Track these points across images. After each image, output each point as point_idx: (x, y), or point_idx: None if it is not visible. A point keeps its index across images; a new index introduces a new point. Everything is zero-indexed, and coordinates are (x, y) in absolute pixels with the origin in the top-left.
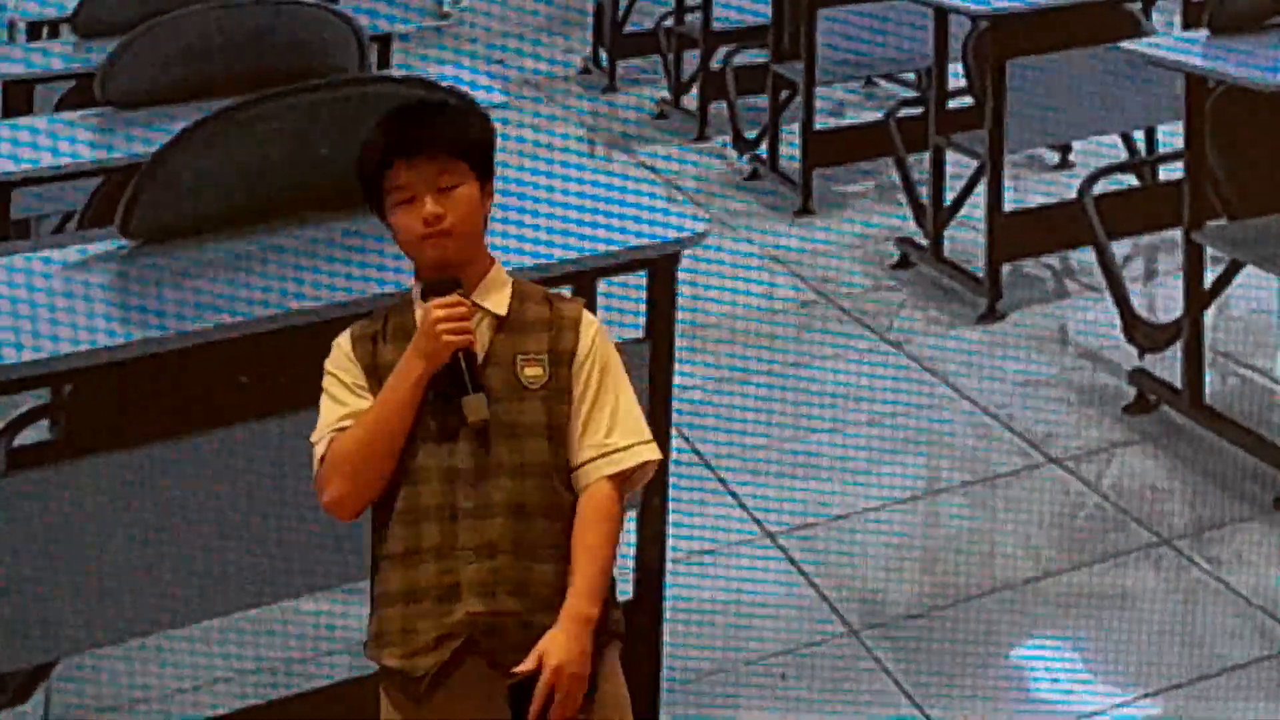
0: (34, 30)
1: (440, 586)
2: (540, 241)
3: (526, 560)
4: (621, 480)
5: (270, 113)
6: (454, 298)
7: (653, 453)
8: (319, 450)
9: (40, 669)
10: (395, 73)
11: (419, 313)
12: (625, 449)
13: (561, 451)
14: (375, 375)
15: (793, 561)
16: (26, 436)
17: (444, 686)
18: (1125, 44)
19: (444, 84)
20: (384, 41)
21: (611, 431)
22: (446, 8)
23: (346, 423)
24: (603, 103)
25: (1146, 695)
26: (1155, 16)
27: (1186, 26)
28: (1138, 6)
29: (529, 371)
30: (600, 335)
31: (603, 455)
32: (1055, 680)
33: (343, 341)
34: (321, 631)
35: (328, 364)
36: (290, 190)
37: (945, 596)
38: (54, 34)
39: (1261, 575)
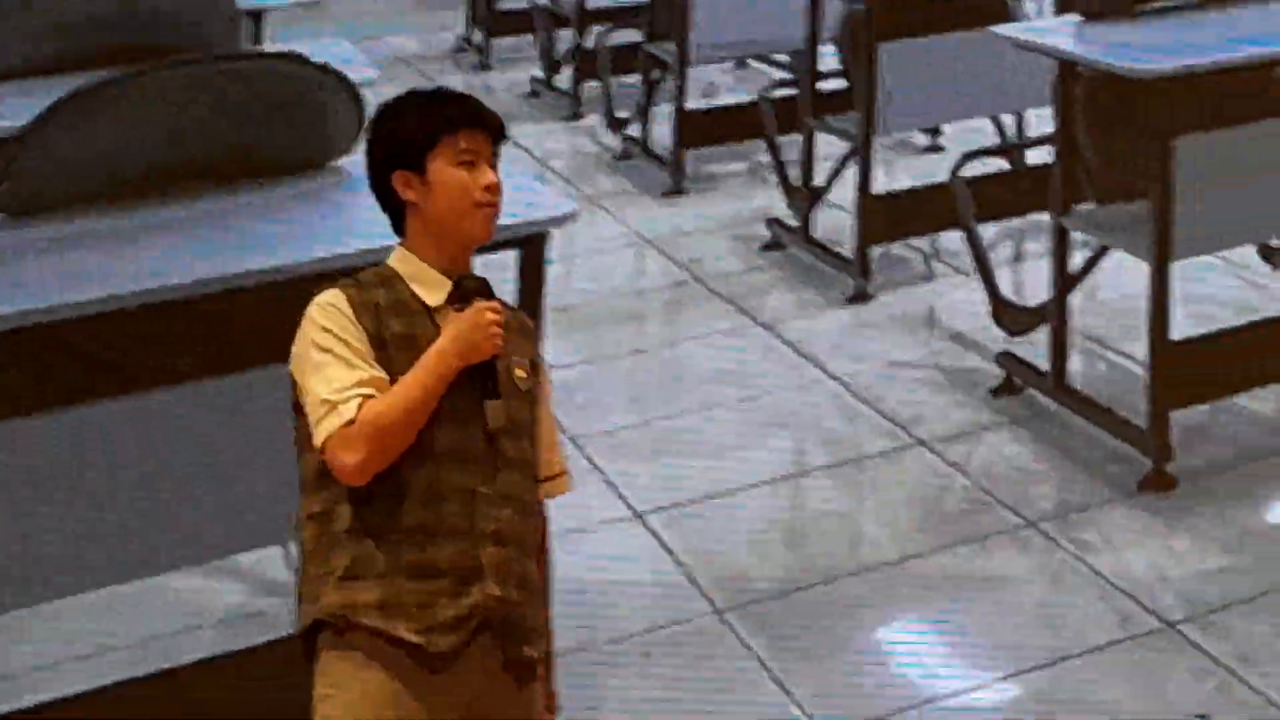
0: None
1: (462, 568)
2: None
3: (523, 553)
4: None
5: (144, 87)
6: (496, 302)
7: (570, 486)
8: (345, 411)
9: None
10: (269, 48)
11: (458, 315)
12: (560, 476)
13: (536, 454)
14: (383, 347)
15: (660, 541)
16: None
17: (456, 662)
18: (997, 28)
19: (317, 60)
20: (256, 17)
21: (553, 449)
22: None
23: (367, 390)
24: (476, 81)
25: (1008, 676)
26: (1028, 2)
27: (1059, 12)
28: None
29: (519, 373)
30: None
31: (550, 479)
32: (918, 661)
33: (340, 305)
34: (190, 606)
35: (324, 322)
36: (166, 165)
37: (810, 577)
38: None
39: (1123, 558)
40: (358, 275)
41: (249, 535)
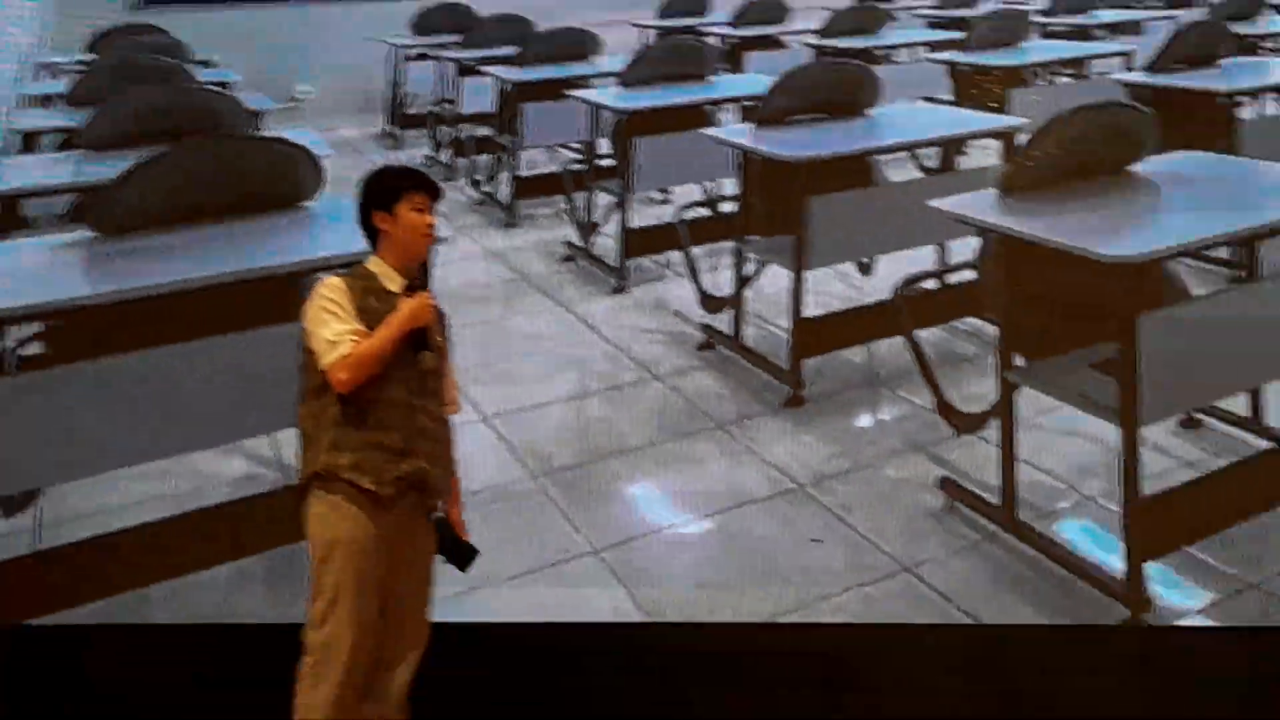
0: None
1: (403, 449)
2: (350, 236)
3: (438, 444)
4: None
5: (190, 154)
6: (429, 294)
7: (459, 408)
8: (341, 349)
9: (33, 492)
10: (266, 133)
11: (408, 300)
12: (454, 402)
13: (444, 387)
14: (363, 315)
15: (498, 434)
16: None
17: (395, 507)
18: (705, 130)
19: (295, 140)
20: (257, 115)
21: (453, 387)
22: (296, 96)
23: (354, 337)
24: (392, 156)
25: (705, 516)
26: (724, 115)
27: (743, 120)
28: (714, 109)
29: (438, 339)
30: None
31: (450, 404)
32: (653, 506)
33: (337, 283)
34: (208, 473)
35: (329, 294)
36: (202, 203)
37: (591, 456)
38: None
39: (774, 448)
40: (350, 271)
41: (245, 429)
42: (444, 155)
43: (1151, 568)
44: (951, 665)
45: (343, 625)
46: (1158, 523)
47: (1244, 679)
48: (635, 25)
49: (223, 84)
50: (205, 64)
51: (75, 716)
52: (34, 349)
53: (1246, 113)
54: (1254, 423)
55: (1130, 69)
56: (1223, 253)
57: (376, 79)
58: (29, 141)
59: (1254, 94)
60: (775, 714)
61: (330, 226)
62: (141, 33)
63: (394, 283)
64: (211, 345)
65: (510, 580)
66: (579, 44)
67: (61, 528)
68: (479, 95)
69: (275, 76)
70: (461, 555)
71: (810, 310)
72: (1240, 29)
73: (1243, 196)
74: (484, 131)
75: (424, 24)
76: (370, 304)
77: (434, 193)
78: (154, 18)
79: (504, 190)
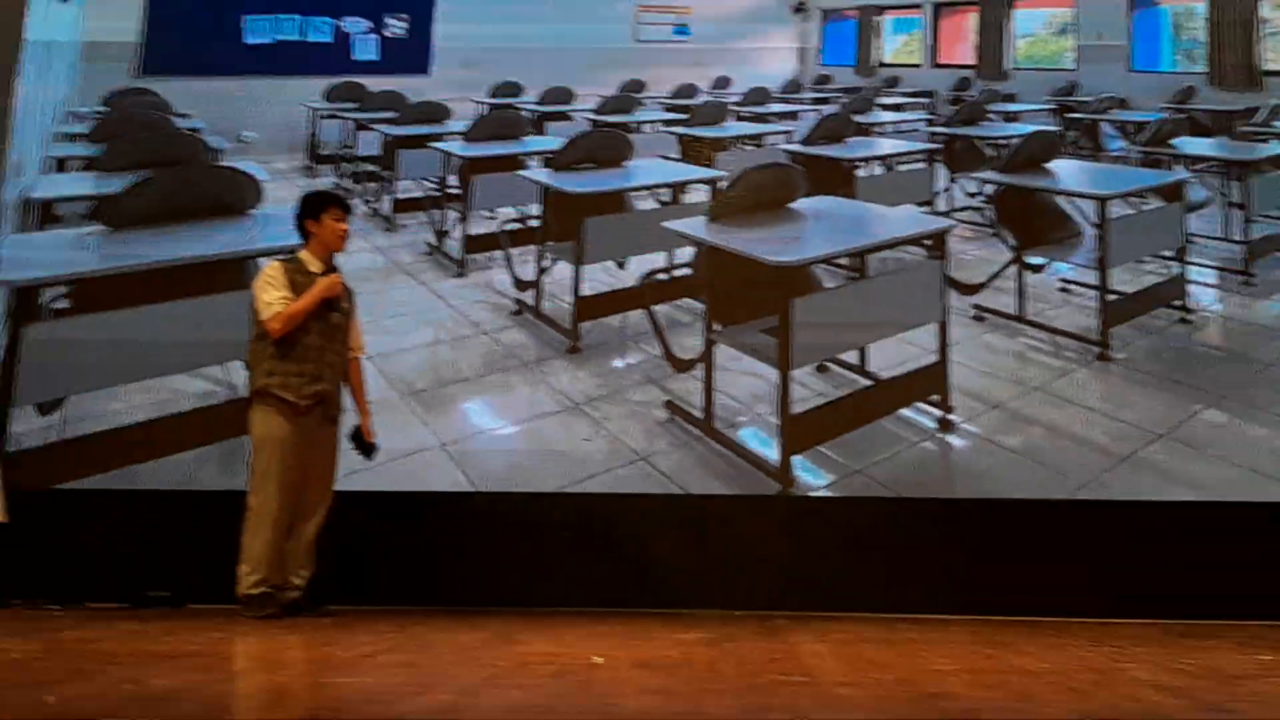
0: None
1: (315, 375)
2: (278, 237)
3: (336, 374)
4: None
5: (174, 175)
6: (338, 276)
7: (364, 350)
8: (275, 308)
9: (60, 400)
10: (223, 163)
11: (323, 278)
12: (360, 348)
13: (346, 342)
14: (293, 287)
15: (379, 369)
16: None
17: (309, 414)
18: (519, 172)
19: (242, 169)
20: (217, 151)
21: (358, 338)
22: (243, 138)
23: (284, 303)
24: (309, 183)
25: (516, 423)
26: (532, 162)
27: (545, 166)
28: (526, 158)
29: (344, 304)
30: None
31: (356, 349)
32: (482, 411)
33: (276, 265)
34: (181, 390)
35: (271, 273)
36: (181, 208)
37: (442, 382)
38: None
39: (560, 378)
40: (285, 258)
41: (207, 359)
42: (345, 183)
43: (796, 459)
44: (670, 519)
45: (272, 491)
46: (800, 431)
47: (852, 531)
48: (474, 101)
49: (194, 130)
50: (183, 115)
51: (84, 547)
52: (63, 304)
53: (862, 173)
54: (861, 369)
55: (790, 142)
56: (844, 261)
57: (299, 129)
58: (61, 165)
59: (866, 161)
60: (560, 549)
61: (268, 227)
62: (140, 94)
63: (315, 267)
64: (186, 304)
65: (387, 463)
66: (438, 112)
67: (80, 424)
68: (369, 144)
69: (229, 126)
70: (367, 450)
71: (586, 291)
72: (859, 119)
73: (858, 226)
74: (371, 168)
75: (333, 94)
76: (297, 279)
77: (347, 209)
78: (148, 83)
79: (386, 207)
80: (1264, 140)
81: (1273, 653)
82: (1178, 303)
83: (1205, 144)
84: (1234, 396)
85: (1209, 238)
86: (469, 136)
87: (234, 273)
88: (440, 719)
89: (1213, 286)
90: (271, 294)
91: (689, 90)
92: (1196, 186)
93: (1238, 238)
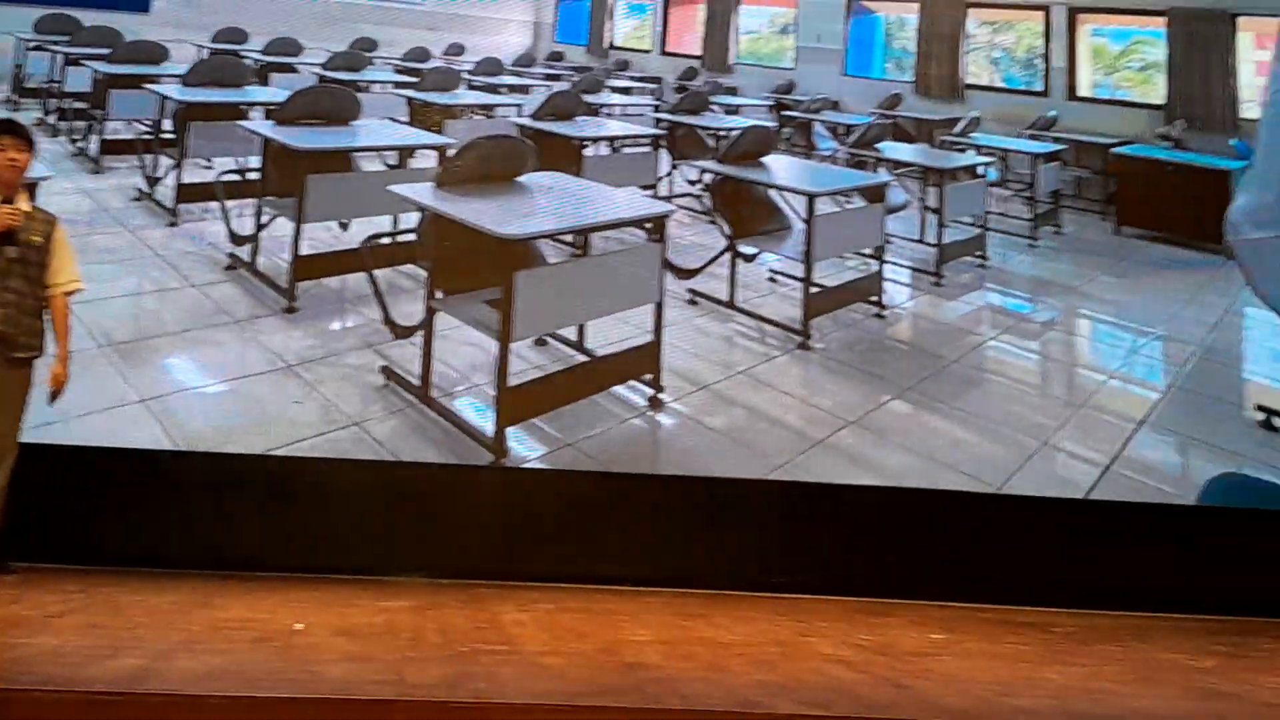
0: None
1: None
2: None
3: (21, 313)
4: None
5: None
6: (13, 206)
7: (76, 285)
8: None
9: None
10: None
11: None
12: (73, 281)
13: (41, 278)
14: None
15: (78, 316)
16: None
17: None
18: (240, 122)
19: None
20: None
21: (63, 272)
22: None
23: None
24: (11, 114)
25: (223, 381)
26: (254, 113)
27: (267, 119)
28: (247, 108)
29: (34, 238)
30: (59, 232)
31: (57, 284)
32: (187, 373)
33: None
34: None
35: None
36: None
37: (143, 335)
38: None
39: (274, 337)
40: None
41: None
42: (51, 119)
43: (511, 431)
44: (379, 485)
45: None
46: (516, 402)
47: (560, 503)
48: (195, 45)
49: None
50: None
51: None
52: None
53: (589, 152)
54: (578, 345)
55: (521, 116)
56: (568, 238)
57: (4, 60)
58: None
59: (594, 140)
60: (262, 513)
61: None
62: None
63: None
64: None
65: (79, 417)
66: (155, 53)
67: None
68: (79, 80)
69: None
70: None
71: (306, 250)
72: (589, 99)
73: (584, 204)
74: (81, 106)
75: (42, 25)
76: None
77: (28, 141)
78: None
79: (94, 148)
80: (961, 150)
81: (943, 632)
82: (874, 298)
83: (907, 150)
84: (918, 389)
85: (906, 239)
86: (187, 81)
87: None
88: (131, 685)
89: (906, 285)
90: None
91: (422, 54)
92: (897, 189)
93: (931, 241)
